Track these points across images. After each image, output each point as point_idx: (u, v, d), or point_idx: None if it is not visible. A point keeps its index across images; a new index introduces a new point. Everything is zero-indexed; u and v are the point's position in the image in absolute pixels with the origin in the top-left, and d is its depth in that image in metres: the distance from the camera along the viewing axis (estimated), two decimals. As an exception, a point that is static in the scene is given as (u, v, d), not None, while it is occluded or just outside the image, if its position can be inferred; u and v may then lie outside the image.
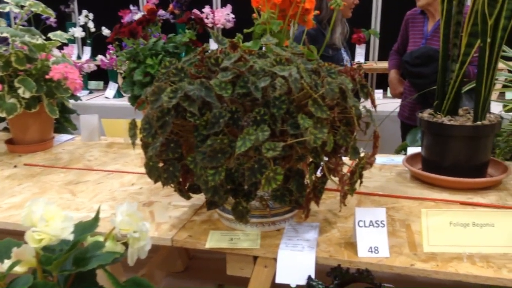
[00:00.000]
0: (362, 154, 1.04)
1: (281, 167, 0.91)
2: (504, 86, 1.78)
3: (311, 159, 0.97)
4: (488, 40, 1.21)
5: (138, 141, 1.04)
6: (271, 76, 0.94)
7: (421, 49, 2.49)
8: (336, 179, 1.01)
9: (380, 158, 1.58)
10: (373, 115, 1.04)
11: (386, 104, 3.93)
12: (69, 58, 1.80)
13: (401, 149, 1.74)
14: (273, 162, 0.90)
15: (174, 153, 0.96)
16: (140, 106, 1.11)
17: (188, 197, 1.05)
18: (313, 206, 1.08)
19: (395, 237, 1.04)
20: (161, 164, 0.99)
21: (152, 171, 1.01)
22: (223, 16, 4.83)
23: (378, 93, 4.20)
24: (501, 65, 1.48)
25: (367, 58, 4.67)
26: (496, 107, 2.12)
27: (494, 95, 3.13)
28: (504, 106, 1.61)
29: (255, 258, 1.01)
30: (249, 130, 0.89)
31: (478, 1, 1.17)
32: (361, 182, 1.06)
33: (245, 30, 1.31)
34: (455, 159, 1.30)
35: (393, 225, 1.09)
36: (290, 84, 0.90)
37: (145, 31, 1.76)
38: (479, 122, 1.27)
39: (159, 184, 0.99)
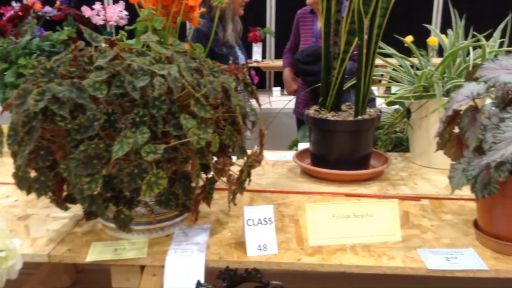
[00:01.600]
0: (250, 152, 1.03)
1: (166, 171, 0.87)
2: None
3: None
4: (365, 37, 1.27)
5: (6, 149, 0.94)
6: (151, 76, 0.90)
7: (311, 47, 2.58)
8: (225, 179, 0.99)
9: (273, 155, 1.60)
10: (258, 113, 1.04)
11: (284, 101, 4.05)
12: None
13: (293, 145, 1.78)
14: (156, 165, 0.86)
15: (45, 161, 0.87)
16: (7, 109, 1.00)
17: (65, 208, 0.97)
18: (205, 207, 1.05)
19: (284, 232, 1.05)
20: (34, 173, 0.90)
21: (22, 182, 0.91)
22: (115, 13, 4.62)
23: (276, 91, 4.30)
24: (380, 61, 1.57)
25: (264, 56, 4.76)
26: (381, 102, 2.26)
27: (381, 90, 3.34)
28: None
29: (143, 267, 0.96)
30: (126, 133, 0.84)
31: (354, 0, 1.22)
32: (249, 181, 1.05)
33: (126, 27, 1.25)
34: (340, 153, 1.36)
35: (283, 221, 1.11)
36: (170, 83, 0.87)
37: (19, 28, 1.60)
38: (360, 117, 1.33)
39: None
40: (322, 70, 1.37)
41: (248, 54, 4.87)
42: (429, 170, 1.42)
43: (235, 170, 1.00)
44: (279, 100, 4.03)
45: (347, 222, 0.97)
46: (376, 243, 0.99)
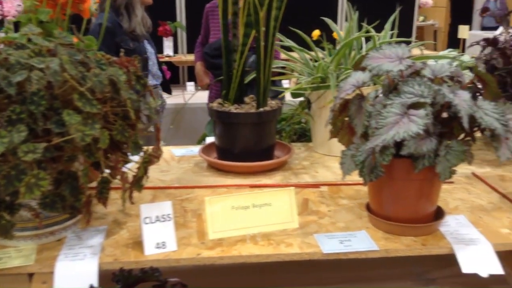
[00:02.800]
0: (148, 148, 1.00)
1: (49, 171, 0.81)
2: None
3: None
4: (263, 29, 1.28)
5: None
6: (29, 70, 0.83)
7: (218, 41, 2.56)
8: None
9: (180, 150, 1.57)
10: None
11: (198, 95, 4.01)
12: None
13: (202, 139, 1.76)
14: (37, 166, 0.80)
15: None
16: None
17: None
18: (102, 208, 1.00)
19: (185, 228, 1.03)
20: None
21: None
22: (13, 7, 4.29)
23: (190, 85, 4.25)
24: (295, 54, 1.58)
25: (176, 51, 4.68)
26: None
27: (293, 83, 3.41)
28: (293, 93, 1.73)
29: (32, 275, 0.90)
30: (1, 132, 0.77)
31: (249, -7, 1.22)
32: (147, 178, 1.02)
33: (10, 20, 1.15)
34: (244, 145, 1.36)
35: (185, 217, 1.09)
36: (49, 77, 0.81)
37: None
38: (261, 109, 1.34)
39: None
40: (223, 63, 1.37)
41: (159, 49, 4.77)
42: (330, 158, 1.47)
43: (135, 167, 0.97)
44: (192, 94, 4.00)
45: (247, 213, 0.97)
46: (276, 231, 1.00)
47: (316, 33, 3.31)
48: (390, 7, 5.18)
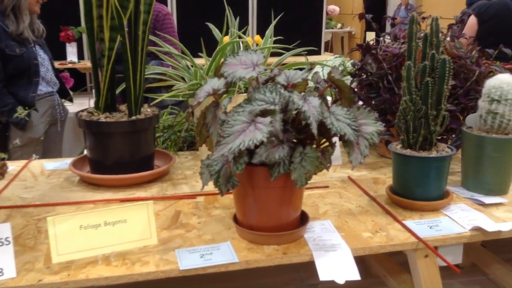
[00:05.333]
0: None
1: None
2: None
3: None
4: (129, 33, 1.21)
5: None
6: None
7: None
8: None
9: (52, 163, 1.46)
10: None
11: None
12: None
13: (83, 151, 1.66)
14: None
15: None
16: None
17: None
18: None
19: (33, 251, 0.94)
20: None
21: None
22: None
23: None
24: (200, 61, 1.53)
25: (81, 57, 4.46)
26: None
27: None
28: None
29: None
30: None
31: (111, -5, 1.16)
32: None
33: None
34: (118, 156, 1.28)
35: (37, 238, 0.99)
36: None
37: None
38: (134, 117, 1.27)
39: None
40: (92, 69, 1.28)
41: (62, 55, 4.52)
42: (212, 167, 1.43)
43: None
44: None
45: (98, 232, 0.90)
46: (133, 249, 0.94)
47: (226, 39, 3.28)
48: (300, 14, 5.30)
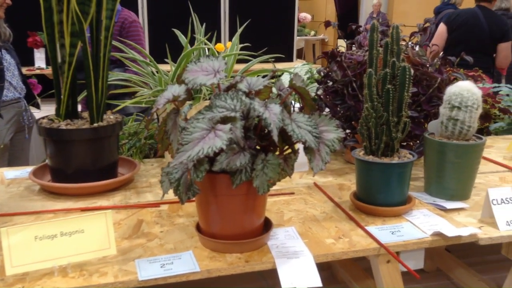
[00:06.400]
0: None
1: None
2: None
3: None
4: (91, 39, 1.19)
5: None
6: None
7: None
8: None
9: (13, 172, 1.42)
10: None
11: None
12: None
13: (45, 159, 1.61)
14: None
15: None
16: None
17: None
18: None
19: (-14, 264, 0.90)
20: None
21: None
22: None
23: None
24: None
25: (49, 63, 4.38)
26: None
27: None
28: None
29: None
30: None
31: (72, 0, 1.13)
32: None
33: None
34: (80, 164, 1.25)
35: (-8, 250, 0.96)
36: None
37: None
38: (96, 124, 1.25)
39: None
40: (53, 76, 1.25)
41: (30, 61, 4.43)
42: (177, 174, 1.41)
43: None
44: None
45: (54, 243, 0.87)
46: (91, 260, 0.91)
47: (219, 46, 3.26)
48: (273, 21, 5.32)
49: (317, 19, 8.83)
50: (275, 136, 0.84)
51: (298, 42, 7.41)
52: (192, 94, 0.96)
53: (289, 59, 5.18)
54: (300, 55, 7.41)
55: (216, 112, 0.86)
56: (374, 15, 7.64)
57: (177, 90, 0.91)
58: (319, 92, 1.53)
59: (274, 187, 1.30)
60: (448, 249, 1.55)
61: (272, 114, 0.86)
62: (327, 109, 1.52)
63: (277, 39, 5.02)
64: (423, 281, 1.45)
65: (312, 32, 8.06)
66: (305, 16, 6.83)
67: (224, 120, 0.84)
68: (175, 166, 0.87)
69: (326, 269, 1.45)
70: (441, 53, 3.40)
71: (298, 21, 5.72)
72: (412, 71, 1.25)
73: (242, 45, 1.59)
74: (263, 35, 4.33)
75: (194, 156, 0.79)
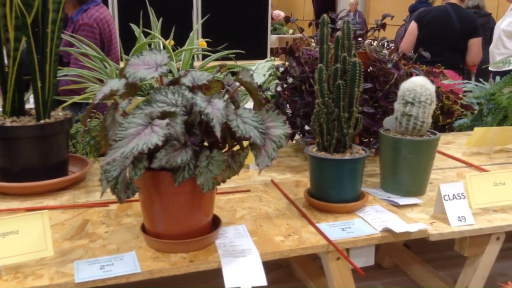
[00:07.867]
0: None
1: None
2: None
3: None
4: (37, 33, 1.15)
5: None
6: None
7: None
8: None
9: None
10: None
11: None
12: None
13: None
14: None
15: None
16: None
17: None
18: None
19: None
20: None
21: None
22: None
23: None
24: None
25: None
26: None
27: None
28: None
29: None
30: None
31: (12, -8, 1.09)
32: None
33: None
34: (26, 163, 1.21)
35: None
36: None
37: None
38: (42, 121, 1.20)
39: None
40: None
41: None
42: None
43: None
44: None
45: (-14, 244, 0.83)
46: (30, 262, 0.87)
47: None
48: (246, 19, 5.29)
49: (296, 17, 8.82)
50: (217, 131, 0.82)
51: (276, 40, 7.40)
52: (136, 89, 0.92)
53: (263, 57, 5.17)
54: (277, 53, 7.39)
55: (155, 107, 0.83)
56: (351, 13, 7.68)
57: (116, 84, 0.88)
58: (278, 88, 1.51)
59: (230, 185, 1.28)
60: (408, 245, 1.55)
61: (215, 109, 0.84)
62: (287, 106, 1.50)
63: (252, 37, 5.00)
64: (381, 277, 1.45)
65: (291, 31, 8.05)
66: (279, 13, 6.82)
67: (164, 116, 0.82)
68: (110, 163, 0.83)
69: (285, 267, 1.43)
70: (412, 51, 3.42)
71: (272, 18, 5.71)
72: (370, 68, 1.24)
73: (205, 40, 1.56)
74: (237, 32, 4.31)
75: (128, 153, 0.76)
